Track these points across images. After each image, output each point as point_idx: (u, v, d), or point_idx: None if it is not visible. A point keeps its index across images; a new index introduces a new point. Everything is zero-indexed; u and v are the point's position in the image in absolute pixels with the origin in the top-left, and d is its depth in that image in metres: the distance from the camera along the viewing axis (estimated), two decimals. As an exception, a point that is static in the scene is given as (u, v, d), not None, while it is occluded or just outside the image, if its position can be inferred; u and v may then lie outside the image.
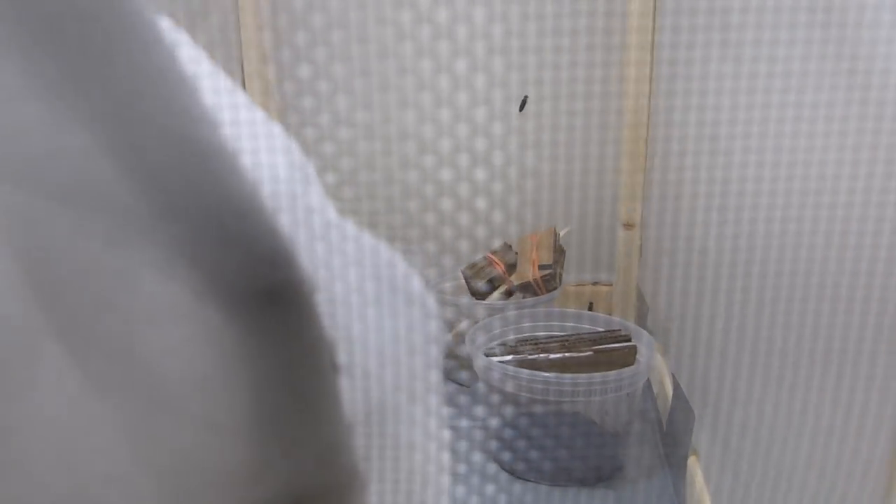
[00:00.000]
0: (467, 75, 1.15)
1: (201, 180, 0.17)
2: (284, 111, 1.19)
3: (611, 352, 0.84)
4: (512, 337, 0.93)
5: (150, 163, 0.17)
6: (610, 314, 1.16)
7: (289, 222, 0.20)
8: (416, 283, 0.25)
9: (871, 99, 0.43)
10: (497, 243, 1.10)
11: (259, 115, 0.23)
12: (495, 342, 0.91)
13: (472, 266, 1.05)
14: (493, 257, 1.05)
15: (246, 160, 0.19)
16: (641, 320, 1.06)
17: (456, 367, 0.99)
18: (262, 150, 0.21)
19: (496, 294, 1.02)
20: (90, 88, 0.15)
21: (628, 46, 1.05)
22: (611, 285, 1.16)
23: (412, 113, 1.17)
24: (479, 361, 0.83)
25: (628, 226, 1.08)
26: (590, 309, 1.17)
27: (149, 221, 0.17)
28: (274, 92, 1.18)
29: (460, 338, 0.99)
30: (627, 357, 0.84)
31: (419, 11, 1.13)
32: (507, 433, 0.85)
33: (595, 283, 1.18)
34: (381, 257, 0.24)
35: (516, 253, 1.06)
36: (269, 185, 0.20)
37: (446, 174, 1.17)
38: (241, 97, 0.22)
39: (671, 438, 0.84)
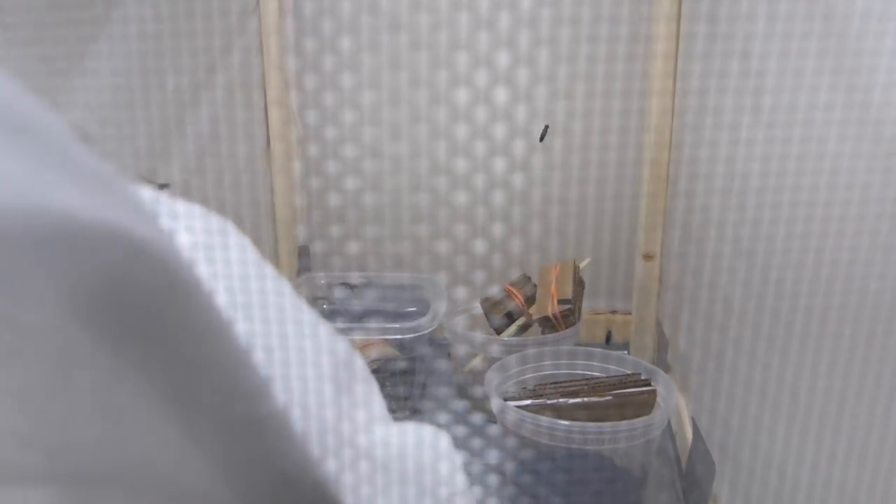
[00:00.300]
0: (487, 88, 1.12)
1: (256, 458, 0.18)
2: (292, 123, 1.18)
3: (630, 397, 0.83)
4: (530, 376, 0.92)
5: (207, 447, 0.17)
6: (628, 344, 1.14)
7: (335, 467, 0.21)
8: (459, 481, 0.26)
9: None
10: (514, 274, 1.09)
11: (313, 319, 0.24)
12: (512, 381, 0.91)
13: (490, 298, 1.04)
14: (511, 289, 1.04)
15: (296, 414, 0.20)
16: (661, 355, 1.05)
17: (469, 407, 0.98)
18: (313, 395, 0.22)
19: (513, 327, 1.01)
20: (167, 384, 0.16)
21: (651, 75, 1.03)
22: (630, 314, 1.14)
23: (424, 129, 1.14)
24: (497, 405, 0.83)
25: (648, 257, 1.07)
26: (608, 338, 1.16)
27: (202, 493, 0.17)
28: (292, 109, 1.17)
29: (474, 375, 0.99)
30: (647, 402, 0.83)
31: (438, 17, 1.10)
32: (524, 476, 0.84)
33: (614, 312, 1.17)
34: (425, 472, 0.25)
35: (535, 285, 1.05)
36: (316, 434, 0.21)
37: (462, 197, 1.15)
38: (306, 313, 0.23)
39: (690, 484, 0.83)
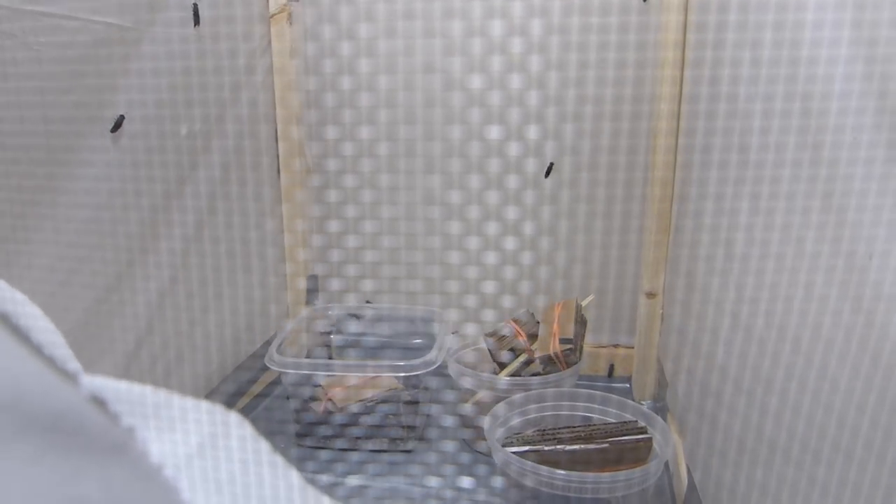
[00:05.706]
0: (500, 143, 1.14)
1: None
2: (310, 172, 1.21)
3: (627, 444, 0.85)
4: (530, 416, 0.94)
5: None
6: (630, 378, 1.16)
7: None
8: None
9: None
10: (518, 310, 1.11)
11: None
12: (513, 422, 0.93)
13: (494, 333, 1.06)
14: (515, 325, 1.06)
15: None
16: (660, 395, 1.07)
17: (475, 436, 1.01)
18: None
19: (516, 363, 1.03)
20: None
21: (657, 115, 1.04)
22: (632, 348, 1.16)
23: (439, 178, 1.17)
24: (497, 453, 0.85)
25: (650, 295, 1.08)
26: (610, 372, 1.18)
27: None
28: (306, 153, 1.19)
29: (479, 406, 1.01)
30: (643, 450, 0.85)
31: (451, 78, 1.13)
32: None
33: (616, 346, 1.19)
34: None
35: (538, 322, 1.07)
36: None
37: (473, 242, 1.18)
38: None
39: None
